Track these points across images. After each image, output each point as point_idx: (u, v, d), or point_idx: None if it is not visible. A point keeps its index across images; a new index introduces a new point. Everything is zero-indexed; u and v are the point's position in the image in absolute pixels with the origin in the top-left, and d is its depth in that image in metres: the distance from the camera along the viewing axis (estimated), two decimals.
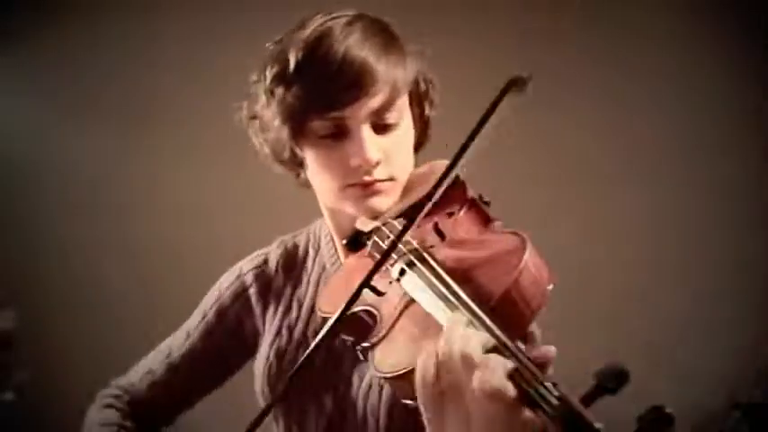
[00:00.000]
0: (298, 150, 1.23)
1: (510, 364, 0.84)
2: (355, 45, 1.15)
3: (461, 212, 1.15)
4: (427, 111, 1.28)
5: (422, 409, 0.89)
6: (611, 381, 0.82)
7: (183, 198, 3.13)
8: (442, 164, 1.24)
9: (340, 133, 1.17)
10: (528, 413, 0.83)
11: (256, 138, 1.28)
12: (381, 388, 1.23)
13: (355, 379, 1.26)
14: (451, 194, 1.15)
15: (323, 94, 1.15)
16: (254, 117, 1.26)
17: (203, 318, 1.41)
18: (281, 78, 1.18)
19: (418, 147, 1.28)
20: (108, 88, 3.11)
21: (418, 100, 1.26)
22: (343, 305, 1.00)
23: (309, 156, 1.21)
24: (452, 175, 1.02)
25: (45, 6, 3.10)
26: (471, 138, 0.98)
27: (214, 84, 2.98)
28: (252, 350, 1.39)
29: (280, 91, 1.18)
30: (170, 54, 3.10)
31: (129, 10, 3.10)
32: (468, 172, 1.19)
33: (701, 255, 2.96)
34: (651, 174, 3.00)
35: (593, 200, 2.93)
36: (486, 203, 1.18)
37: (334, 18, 1.19)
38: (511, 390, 0.83)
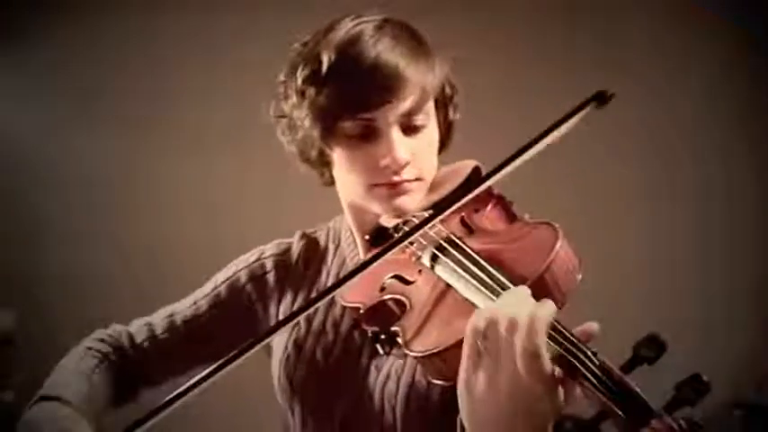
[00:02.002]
0: (327, 150, 1.25)
1: (549, 325, 0.85)
2: (386, 49, 1.18)
3: (488, 208, 1.17)
4: (451, 115, 1.31)
5: (462, 361, 0.90)
6: (649, 350, 0.84)
7: (184, 198, 3.14)
8: (468, 164, 1.28)
9: (370, 134, 1.20)
10: (559, 394, 0.84)
11: (284, 136, 1.30)
12: (399, 378, 1.24)
13: (372, 370, 1.27)
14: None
15: (354, 96, 1.17)
16: (281, 116, 1.29)
17: (214, 289, 1.42)
18: (313, 79, 1.20)
19: (440, 149, 1.30)
20: (108, 88, 3.12)
21: (443, 104, 1.29)
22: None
23: (338, 155, 1.24)
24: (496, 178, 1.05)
25: (45, 6, 3.10)
26: (535, 141, 1.01)
27: (214, 83, 3.00)
28: (253, 333, 1.38)
29: (311, 91, 1.20)
30: (170, 54, 3.10)
31: (130, 9, 3.10)
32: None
33: (699, 255, 2.96)
34: (650, 174, 3.00)
35: (593, 200, 2.94)
36: (510, 203, 1.20)
37: (363, 22, 1.21)
38: (545, 354, 0.84)
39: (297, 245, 1.42)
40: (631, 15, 2.97)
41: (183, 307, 1.43)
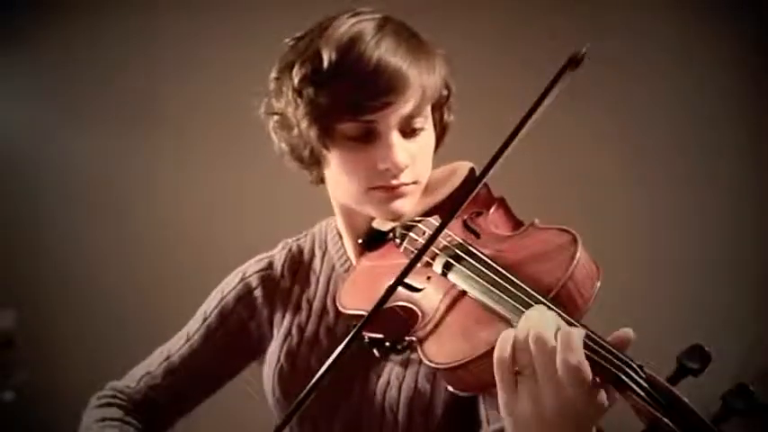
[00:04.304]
0: (322, 150, 1.21)
1: (586, 342, 0.84)
2: (389, 50, 1.15)
3: (491, 211, 1.16)
4: (446, 116, 1.29)
5: (498, 389, 0.89)
6: (695, 361, 0.82)
7: (183, 198, 3.14)
8: (463, 165, 1.27)
9: (369, 136, 1.17)
10: (601, 396, 0.84)
11: (275, 134, 1.27)
12: (401, 384, 1.23)
13: (372, 376, 1.26)
14: (477, 195, 1.15)
15: (356, 99, 1.14)
16: (273, 113, 1.25)
17: (204, 321, 1.39)
18: (312, 79, 1.16)
19: (434, 151, 1.28)
20: (108, 88, 3.12)
21: (439, 105, 1.26)
22: (374, 302, 1.00)
23: (335, 156, 1.20)
24: (497, 162, 1.02)
25: (45, 6, 3.10)
26: (527, 117, 0.99)
27: (214, 84, 3.00)
28: (255, 354, 1.38)
29: (310, 91, 1.16)
30: (170, 54, 3.10)
31: (129, 10, 3.10)
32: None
33: (699, 254, 2.96)
34: (649, 174, 3.00)
35: (593, 199, 2.94)
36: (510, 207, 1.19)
37: (364, 20, 1.19)
38: (588, 368, 0.82)
39: (279, 256, 1.40)
40: (626, 12, 2.97)
41: (178, 345, 1.40)
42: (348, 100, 1.14)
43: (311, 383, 0.99)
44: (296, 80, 1.18)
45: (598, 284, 0.96)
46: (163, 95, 3.10)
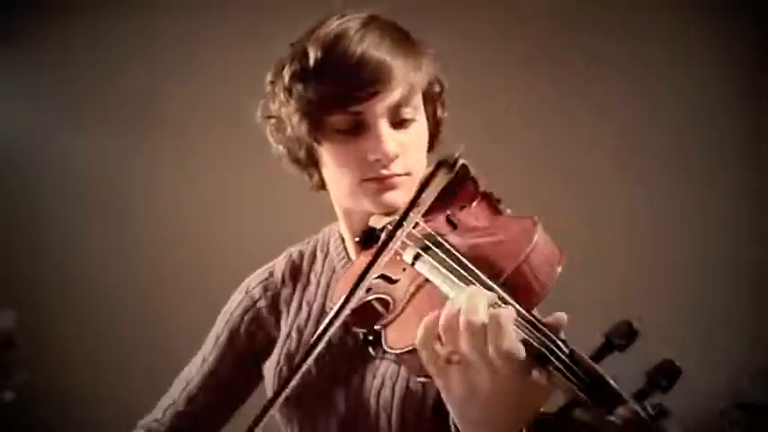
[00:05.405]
0: (315, 146, 1.25)
1: (515, 319, 0.85)
2: (372, 45, 1.19)
3: (473, 204, 1.18)
4: (439, 112, 1.31)
5: (434, 379, 0.91)
6: (621, 337, 0.83)
7: (183, 198, 3.14)
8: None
9: (358, 128, 1.20)
10: (535, 376, 0.84)
11: (272, 137, 1.31)
12: (394, 384, 1.24)
13: (368, 376, 1.27)
14: (464, 189, 1.18)
15: (341, 91, 1.18)
16: (269, 117, 1.29)
17: (216, 341, 1.42)
18: (300, 76, 1.21)
19: (430, 148, 1.30)
20: (108, 88, 3.12)
21: (431, 101, 1.29)
22: (350, 291, 1.02)
23: (327, 150, 1.24)
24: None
25: (45, 6, 3.10)
26: (410, 206, 1.06)
27: (214, 84, 3.00)
28: (261, 363, 1.40)
29: (299, 87, 1.21)
30: (170, 54, 3.10)
31: (129, 10, 3.10)
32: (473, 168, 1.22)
33: (698, 254, 2.96)
34: (649, 174, 3.00)
35: (592, 200, 2.94)
36: (497, 201, 1.20)
37: (348, 20, 1.22)
38: (522, 350, 0.83)
39: (280, 266, 1.43)
40: (626, 12, 2.97)
41: (195, 370, 1.42)
42: (335, 92, 1.18)
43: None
44: (286, 78, 1.22)
45: (559, 269, 0.97)
46: (163, 95, 3.10)
